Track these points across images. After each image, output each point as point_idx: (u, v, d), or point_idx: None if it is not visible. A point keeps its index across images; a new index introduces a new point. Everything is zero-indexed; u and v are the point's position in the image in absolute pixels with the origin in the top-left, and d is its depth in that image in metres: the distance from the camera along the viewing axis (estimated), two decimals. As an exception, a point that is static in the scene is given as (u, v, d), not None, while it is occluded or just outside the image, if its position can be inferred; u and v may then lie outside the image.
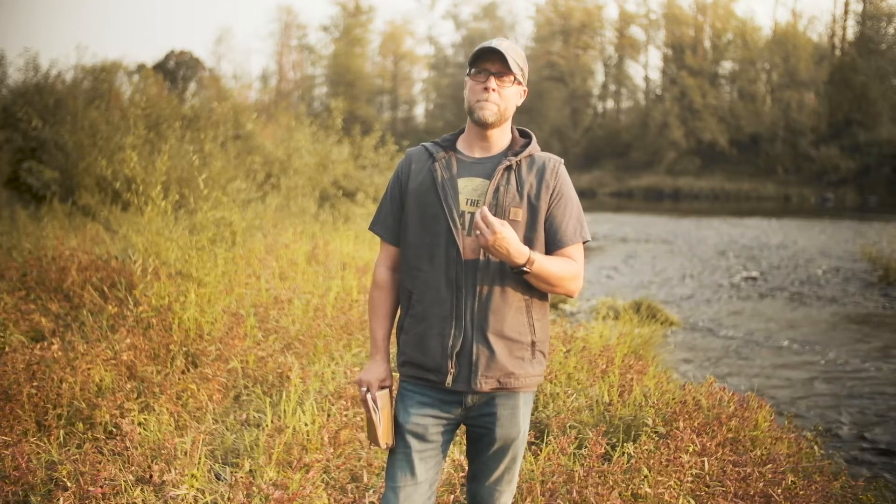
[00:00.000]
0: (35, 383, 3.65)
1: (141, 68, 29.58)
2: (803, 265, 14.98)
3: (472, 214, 2.10)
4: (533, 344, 2.15)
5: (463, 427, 2.33)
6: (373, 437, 2.20)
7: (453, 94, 55.85)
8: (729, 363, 7.72)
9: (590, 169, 47.64)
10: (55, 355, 3.92)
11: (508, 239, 1.95)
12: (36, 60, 13.75)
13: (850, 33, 46.91)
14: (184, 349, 4.37)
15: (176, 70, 37.31)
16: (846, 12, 47.28)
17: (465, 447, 2.34)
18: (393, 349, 2.92)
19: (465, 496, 2.73)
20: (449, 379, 2.10)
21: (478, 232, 1.95)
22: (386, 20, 61.61)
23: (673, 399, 3.86)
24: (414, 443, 2.15)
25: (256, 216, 9.20)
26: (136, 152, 7.40)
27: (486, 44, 2.12)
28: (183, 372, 4.14)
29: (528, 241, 2.12)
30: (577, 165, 48.62)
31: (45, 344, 4.11)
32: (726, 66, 50.88)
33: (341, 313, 5.31)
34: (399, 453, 2.17)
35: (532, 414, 3.99)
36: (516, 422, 2.16)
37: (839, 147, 40.08)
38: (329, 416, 3.65)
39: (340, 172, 14.33)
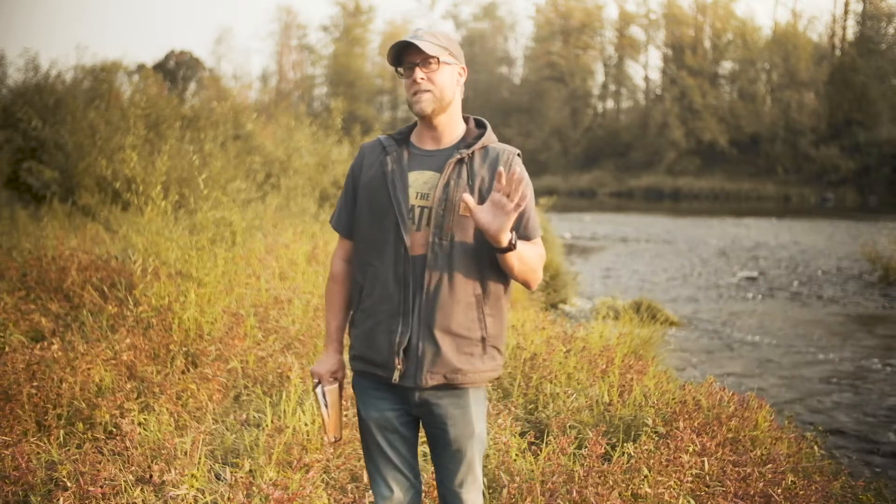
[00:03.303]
0: (35, 383, 3.65)
1: (141, 68, 29.59)
2: (803, 265, 14.98)
3: (423, 209, 2.09)
4: (483, 340, 2.12)
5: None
6: (323, 424, 2.25)
7: (453, 94, 55.56)
8: (729, 363, 7.72)
9: (590, 169, 47.64)
10: (55, 355, 3.92)
11: (504, 222, 1.92)
12: (36, 60, 13.74)
13: (850, 33, 46.94)
14: (184, 349, 4.37)
15: (176, 70, 37.33)
16: (846, 12, 47.31)
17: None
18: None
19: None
20: (396, 375, 2.09)
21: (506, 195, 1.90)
22: (386, 20, 61.67)
23: (673, 399, 3.86)
24: (381, 433, 2.18)
25: (256, 216, 9.19)
26: (135, 152, 7.40)
27: (399, 41, 2.10)
28: (183, 372, 4.14)
29: (479, 235, 2.06)
30: (577, 165, 48.63)
31: (45, 344, 4.11)
32: (726, 66, 50.88)
33: (341, 313, 5.30)
34: (372, 444, 2.21)
35: (532, 414, 3.99)
36: (469, 421, 2.15)
37: (839, 147, 40.08)
38: (329, 416, 3.64)
39: (340, 172, 14.31)
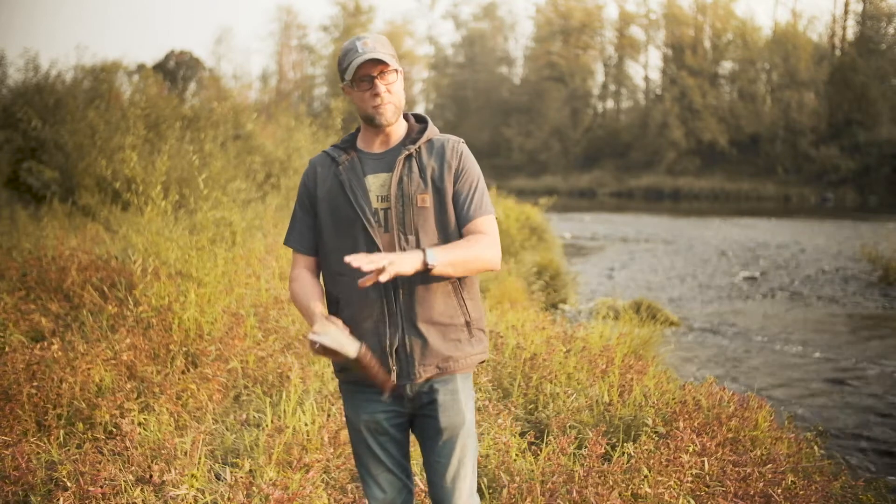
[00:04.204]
0: (35, 383, 3.65)
1: (141, 68, 29.53)
2: (803, 265, 14.98)
3: (385, 210, 2.12)
4: (468, 324, 2.17)
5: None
6: (341, 356, 2.02)
7: (453, 94, 55.70)
8: (729, 363, 7.72)
9: (590, 169, 47.61)
10: (55, 355, 3.92)
11: (391, 259, 1.91)
12: (36, 60, 13.71)
13: (850, 33, 46.91)
14: (184, 349, 4.37)
15: (176, 70, 37.27)
16: (846, 12, 47.28)
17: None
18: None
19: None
20: (393, 376, 2.11)
21: (378, 270, 1.90)
22: (386, 20, 61.47)
23: (673, 399, 3.86)
24: (371, 437, 2.19)
25: (256, 216, 9.19)
26: (135, 152, 7.39)
27: (356, 57, 2.09)
28: (183, 372, 4.14)
29: (440, 223, 2.13)
30: (577, 165, 48.60)
31: (45, 344, 4.11)
32: (726, 66, 50.82)
33: (341, 313, 5.30)
34: (363, 448, 2.22)
35: (532, 414, 3.99)
36: (459, 408, 2.17)
37: (839, 147, 40.04)
38: (329, 416, 3.65)
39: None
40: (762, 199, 39.32)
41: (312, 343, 2.01)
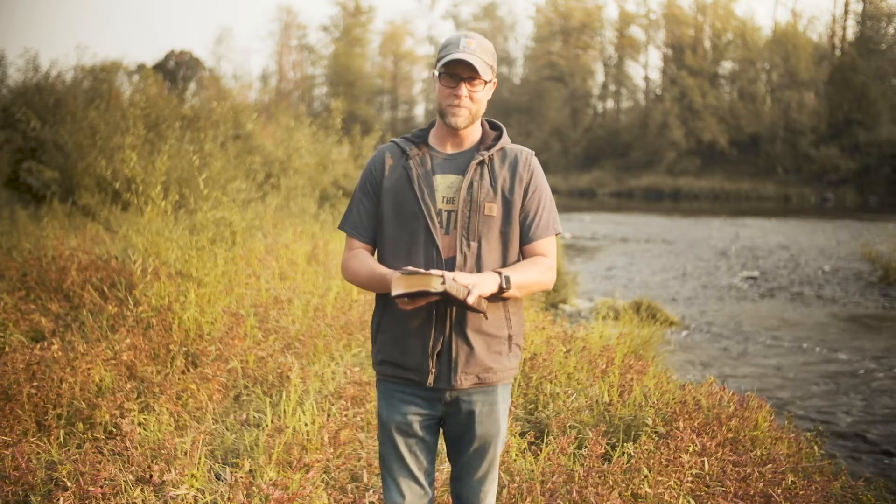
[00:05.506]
0: (35, 383, 3.65)
1: (141, 68, 29.56)
2: (803, 265, 14.98)
3: (450, 212, 2.11)
4: (510, 338, 2.17)
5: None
6: (433, 295, 1.97)
7: (453, 94, 55.43)
8: (729, 363, 7.72)
9: (590, 169, 47.61)
10: (55, 355, 3.92)
11: (475, 282, 1.98)
12: (36, 60, 13.74)
13: (850, 33, 46.92)
14: (184, 349, 4.37)
15: (176, 70, 37.29)
16: (846, 12, 47.29)
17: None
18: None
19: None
20: (430, 378, 2.11)
21: (466, 293, 1.96)
22: (386, 20, 61.63)
23: (673, 399, 3.86)
24: (401, 438, 2.18)
25: (256, 216, 9.19)
26: (135, 152, 7.40)
27: (454, 52, 2.09)
28: (183, 372, 4.14)
29: (504, 235, 2.13)
30: (577, 165, 48.59)
31: (45, 344, 4.11)
32: (726, 66, 50.84)
33: (341, 313, 5.31)
34: (389, 449, 2.20)
35: (532, 414, 3.99)
36: (495, 418, 2.18)
37: (839, 147, 40.04)
38: (329, 416, 3.65)
39: (340, 172, 14.32)
40: (762, 199, 39.31)
41: (400, 298, 1.97)
